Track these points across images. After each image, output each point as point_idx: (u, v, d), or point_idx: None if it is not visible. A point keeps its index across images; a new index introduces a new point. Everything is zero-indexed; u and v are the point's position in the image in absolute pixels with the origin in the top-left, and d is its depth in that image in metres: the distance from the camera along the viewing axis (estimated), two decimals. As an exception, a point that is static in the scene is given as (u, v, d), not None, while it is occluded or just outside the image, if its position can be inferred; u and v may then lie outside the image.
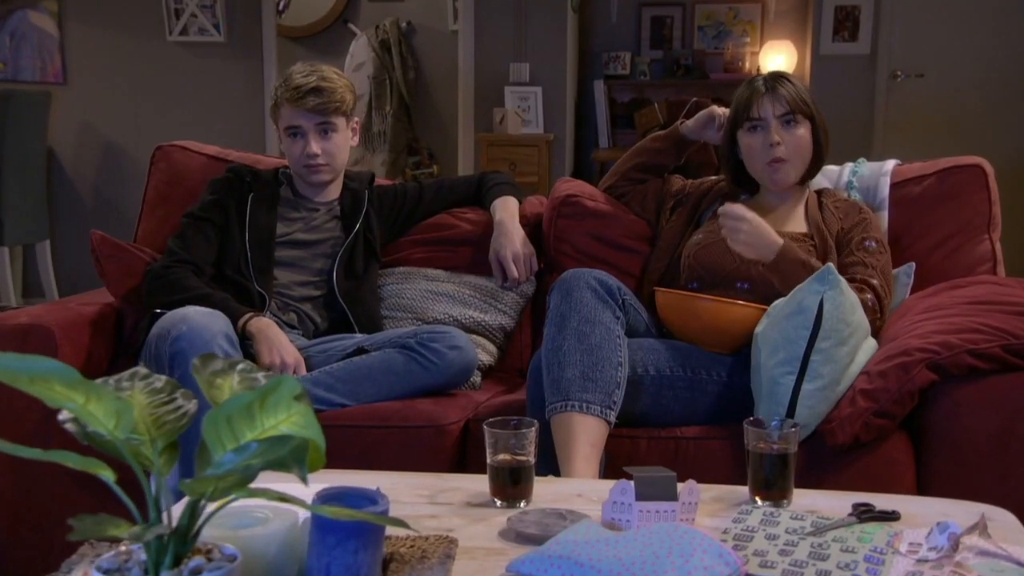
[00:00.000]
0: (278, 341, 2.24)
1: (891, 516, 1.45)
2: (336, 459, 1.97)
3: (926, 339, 1.97)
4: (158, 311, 2.24)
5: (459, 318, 2.52)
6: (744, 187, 2.46)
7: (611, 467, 1.98)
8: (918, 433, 2.00)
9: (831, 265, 2.01)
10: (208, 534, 1.05)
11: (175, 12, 5.21)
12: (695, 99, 4.64)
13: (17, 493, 2.24)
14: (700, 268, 2.31)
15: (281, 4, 6.27)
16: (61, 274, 5.30)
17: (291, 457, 0.96)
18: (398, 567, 1.25)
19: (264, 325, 2.26)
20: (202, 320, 2.10)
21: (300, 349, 2.31)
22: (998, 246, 2.43)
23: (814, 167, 2.40)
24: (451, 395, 2.29)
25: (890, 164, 2.55)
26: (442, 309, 2.53)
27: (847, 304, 1.99)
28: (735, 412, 2.02)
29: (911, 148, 5.15)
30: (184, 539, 1.01)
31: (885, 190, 2.48)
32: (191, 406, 1.08)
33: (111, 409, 0.99)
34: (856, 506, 1.48)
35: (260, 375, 1.12)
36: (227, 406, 0.99)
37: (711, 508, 1.50)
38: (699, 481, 1.44)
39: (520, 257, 2.55)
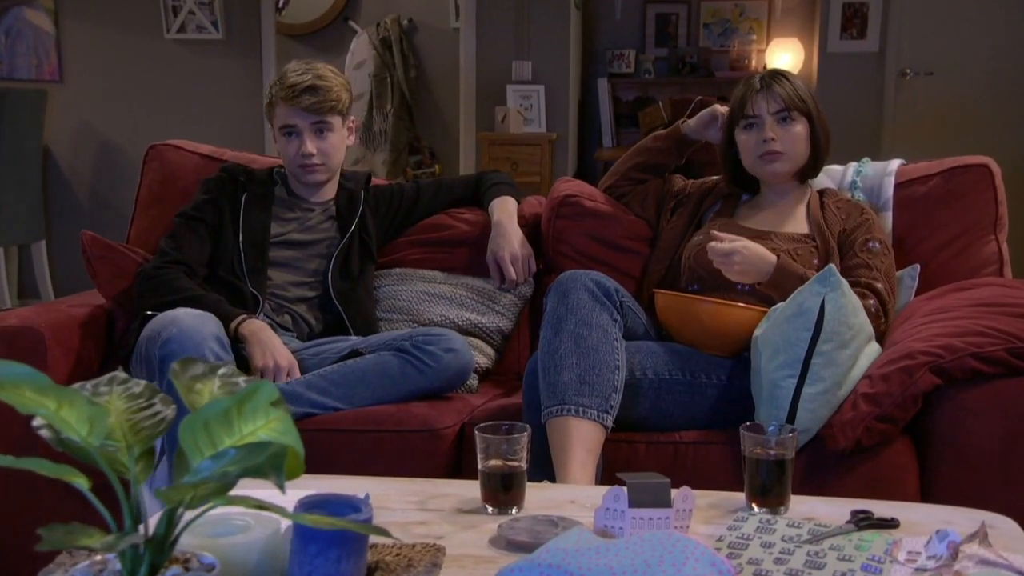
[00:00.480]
0: (271, 343, 2.22)
1: (890, 524, 1.43)
2: (329, 464, 1.96)
3: (929, 342, 1.95)
4: (149, 313, 2.21)
5: (456, 320, 2.49)
6: (744, 187, 2.44)
7: (608, 472, 1.96)
8: (921, 438, 1.98)
9: (832, 266, 1.98)
10: (186, 542, 1.03)
11: (173, 9, 5.16)
12: (699, 98, 4.61)
13: (2, 498, 2.21)
14: (701, 270, 2.28)
15: (280, 1, 6.24)
16: (57, 275, 5.26)
17: (269, 464, 0.94)
18: (383, 576, 1.22)
19: (257, 327, 2.24)
20: (193, 322, 2.07)
21: (294, 351, 2.29)
22: (1005, 247, 2.41)
23: (813, 165, 2.37)
24: (447, 399, 2.27)
25: (894, 164, 2.52)
26: (439, 311, 2.51)
27: (849, 306, 1.96)
28: (735, 416, 1.99)
29: (920, 147, 5.10)
30: (161, 548, 0.99)
31: (889, 190, 2.46)
32: (169, 412, 1.06)
33: (84, 415, 0.97)
34: (855, 513, 1.45)
35: (241, 379, 1.09)
36: (204, 411, 0.98)
37: (706, 515, 1.48)
38: (699, 487, 1.43)
39: (518, 258, 2.52)
